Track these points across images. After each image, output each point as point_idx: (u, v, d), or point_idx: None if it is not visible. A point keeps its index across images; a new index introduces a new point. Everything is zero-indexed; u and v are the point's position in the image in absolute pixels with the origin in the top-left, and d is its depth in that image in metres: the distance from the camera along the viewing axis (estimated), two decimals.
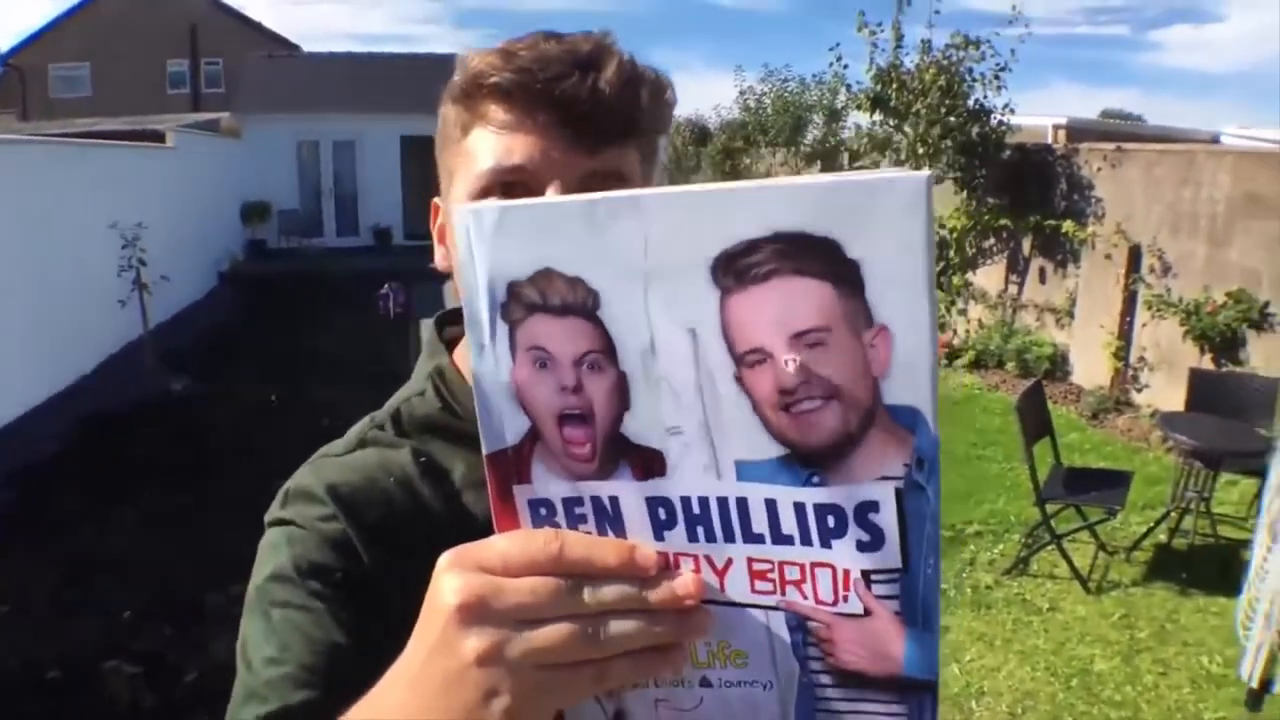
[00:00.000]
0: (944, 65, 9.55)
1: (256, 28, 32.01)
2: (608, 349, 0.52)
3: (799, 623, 0.54)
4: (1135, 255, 8.40)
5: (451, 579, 0.52)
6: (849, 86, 10.27)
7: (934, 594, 0.52)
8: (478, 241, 0.53)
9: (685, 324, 0.50)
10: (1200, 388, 5.98)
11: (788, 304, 0.48)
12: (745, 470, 0.52)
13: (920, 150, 9.69)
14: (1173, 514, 5.42)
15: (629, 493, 0.54)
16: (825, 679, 0.55)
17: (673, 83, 0.93)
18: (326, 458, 0.94)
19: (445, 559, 0.54)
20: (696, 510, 0.54)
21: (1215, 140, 13.03)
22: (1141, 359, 8.40)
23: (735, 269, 0.49)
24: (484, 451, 0.56)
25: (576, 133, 0.82)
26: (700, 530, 0.54)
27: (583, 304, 0.52)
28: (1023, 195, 9.71)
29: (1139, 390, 8.38)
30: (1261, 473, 5.65)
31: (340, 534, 0.85)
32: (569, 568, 0.51)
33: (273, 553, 0.86)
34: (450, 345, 1.01)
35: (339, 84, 21.31)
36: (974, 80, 9.63)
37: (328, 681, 0.77)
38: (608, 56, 0.84)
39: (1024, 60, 9.57)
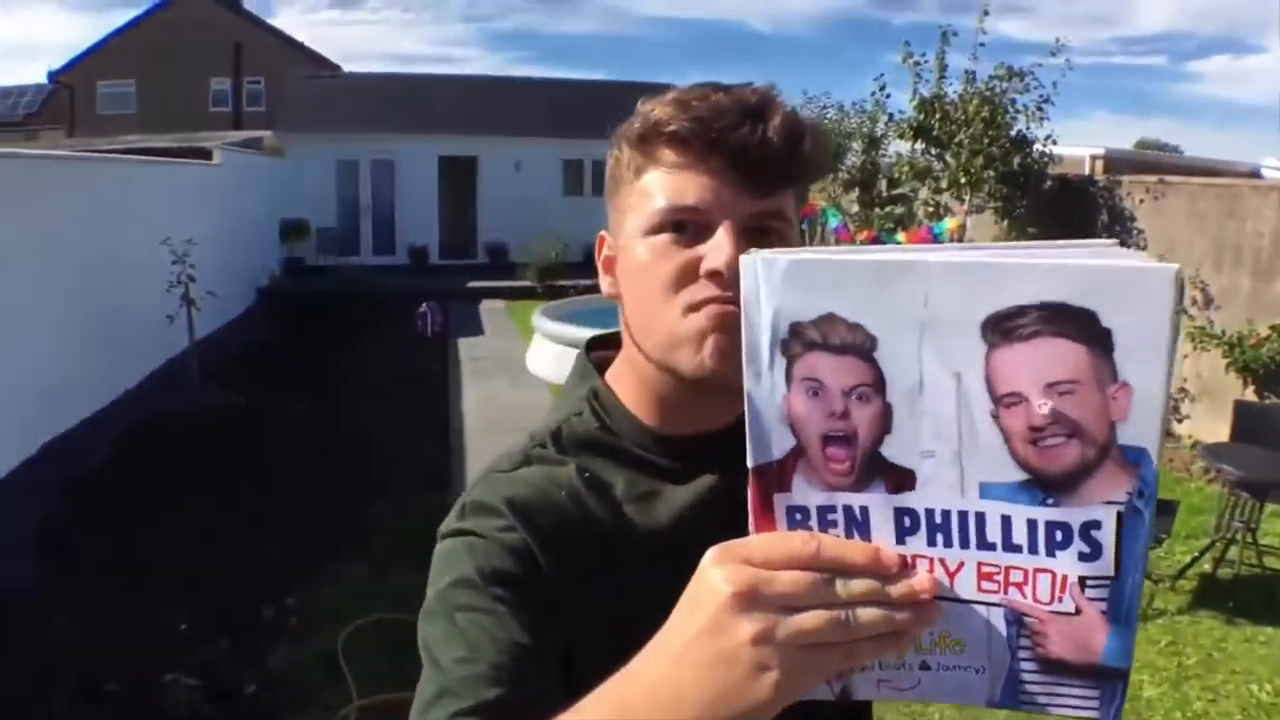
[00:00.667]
0: (988, 96, 9.62)
1: (299, 48, 32.47)
2: (876, 383, 0.62)
3: (1016, 618, 0.64)
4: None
5: (721, 571, 0.61)
6: (890, 115, 10.35)
7: (1136, 597, 0.62)
8: (765, 285, 0.62)
9: (953, 368, 0.60)
10: (1245, 419, 6.00)
11: (1047, 359, 0.58)
12: (988, 490, 0.62)
13: (962, 180, 9.74)
14: (1218, 544, 5.43)
15: (878, 503, 0.64)
16: (1031, 665, 0.64)
17: (827, 131, 1.01)
18: (496, 473, 1.00)
19: (712, 554, 0.62)
20: (939, 520, 0.63)
21: (1256, 174, 13.00)
22: (1183, 390, 8.38)
23: (1003, 328, 0.58)
24: (750, 464, 0.66)
25: (746, 177, 0.90)
26: (939, 537, 0.64)
27: (861, 345, 0.61)
28: (1064, 226, 9.72)
29: (1180, 421, 8.36)
30: None
31: (520, 543, 0.91)
32: (824, 564, 0.60)
33: (454, 561, 0.92)
34: (599, 368, 1.09)
35: (379, 104, 21.60)
36: (1017, 111, 9.69)
37: (515, 680, 0.83)
38: (774, 107, 0.91)
39: (1062, 90, 9.63)
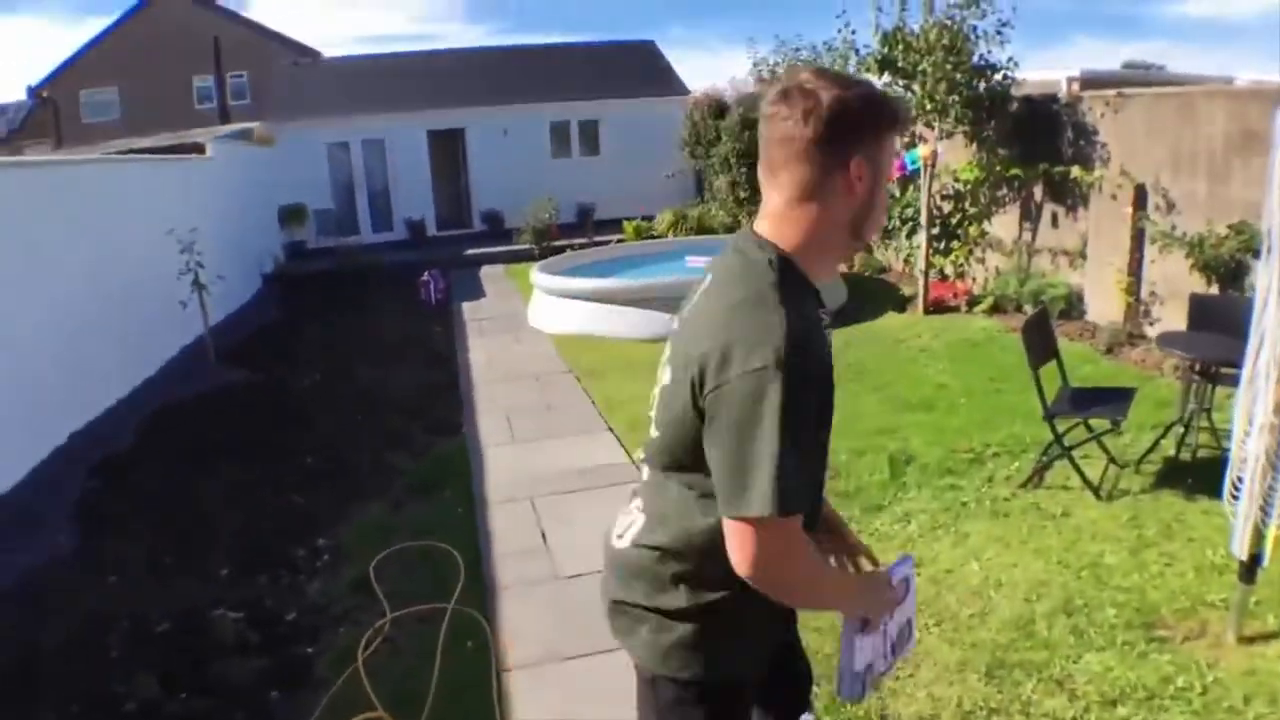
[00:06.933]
0: (947, 24, 9.87)
1: (277, 37, 32.60)
2: None
3: None
4: (1141, 194, 8.71)
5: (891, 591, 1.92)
6: (857, 51, 10.58)
7: None
8: None
9: None
10: (1199, 310, 6.27)
11: None
12: None
13: (929, 106, 10.02)
14: (1177, 427, 5.75)
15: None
16: None
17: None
18: (776, 319, 1.55)
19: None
20: None
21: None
22: (1152, 293, 8.73)
23: None
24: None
25: None
26: None
27: None
28: (1031, 145, 10.02)
29: (1151, 324, 8.71)
30: None
31: (816, 358, 1.61)
32: None
33: (773, 388, 1.50)
34: None
35: (363, 85, 21.82)
36: (977, 37, 9.94)
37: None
38: None
39: (1043, 17, 10.16)
